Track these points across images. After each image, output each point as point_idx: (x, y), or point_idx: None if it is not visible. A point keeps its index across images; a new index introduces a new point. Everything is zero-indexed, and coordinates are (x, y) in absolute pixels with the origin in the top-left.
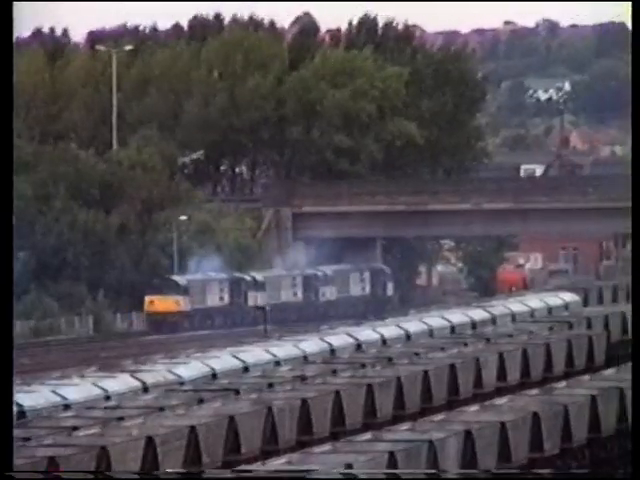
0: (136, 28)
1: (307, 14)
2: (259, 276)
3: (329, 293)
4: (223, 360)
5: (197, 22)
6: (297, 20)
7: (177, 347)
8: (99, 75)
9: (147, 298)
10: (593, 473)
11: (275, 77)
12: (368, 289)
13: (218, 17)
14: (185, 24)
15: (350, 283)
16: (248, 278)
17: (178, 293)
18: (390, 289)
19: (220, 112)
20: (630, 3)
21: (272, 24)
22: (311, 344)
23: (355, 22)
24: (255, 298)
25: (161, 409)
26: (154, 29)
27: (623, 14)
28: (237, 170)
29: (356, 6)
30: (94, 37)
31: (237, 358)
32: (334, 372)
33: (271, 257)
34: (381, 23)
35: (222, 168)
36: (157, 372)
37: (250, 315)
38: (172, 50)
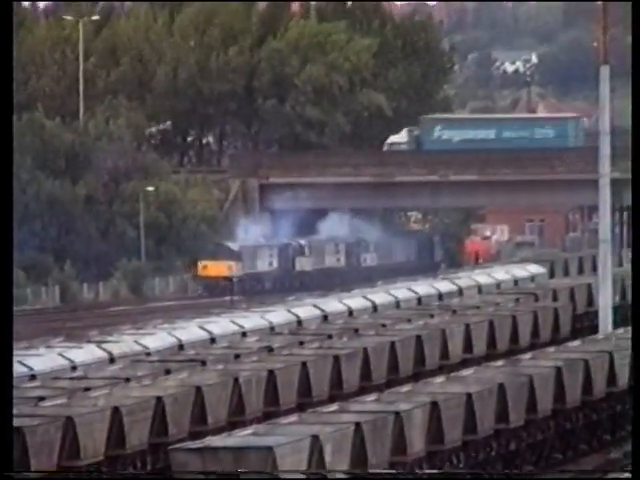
0: None
1: None
2: (303, 242)
3: (370, 259)
4: (190, 331)
5: None
6: None
7: (144, 318)
8: (64, 44)
9: (200, 263)
10: (593, 473)
11: (247, 48)
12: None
13: None
14: None
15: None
16: (294, 244)
17: (231, 258)
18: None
19: (190, 81)
20: (630, 3)
21: None
22: (278, 315)
23: None
24: (301, 263)
25: (127, 380)
26: None
27: None
28: (204, 141)
29: None
30: (59, 5)
31: (204, 329)
32: (301, 343)
33: (237, 228)
34: None
35: (189, 139)
36: (124, 343)
37: (297, 279)
38: (144, 19)
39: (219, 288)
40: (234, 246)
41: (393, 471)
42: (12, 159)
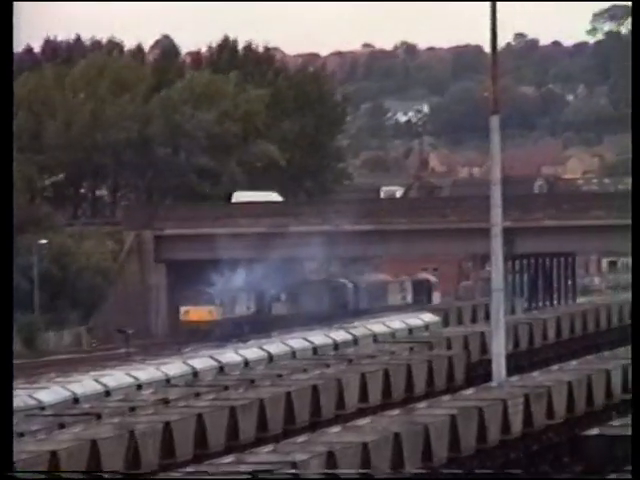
0: None
1: (166, 37)
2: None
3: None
4: (85, 384)
5: (49, 46)
6: (157, 43)
7: (38, 372)
8: None
9: (182, 308)
10: (594, 473)
11: (140, 98)
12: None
13: (78, 40)
14: (37, 48)
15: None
16: (273, 291)
17: (211, 303)
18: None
19: (82, 132)
20: (630, 3)
21: (134, 47)
22: (173, 367)
23: (215, 45)
24: (277, 308)
25: (21, 435)
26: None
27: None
28: (98, 193)
29: (215, 28)
30: None
31: (99, 382)
32: (197, 395)
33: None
34: (241, 45)
35: (82, 191)
36: (17, 397)
37: (274, 324)
38: (36, 73)
39: (201, 332)
40: (214, 291)
41: (394, 471)
42: (12, 160)
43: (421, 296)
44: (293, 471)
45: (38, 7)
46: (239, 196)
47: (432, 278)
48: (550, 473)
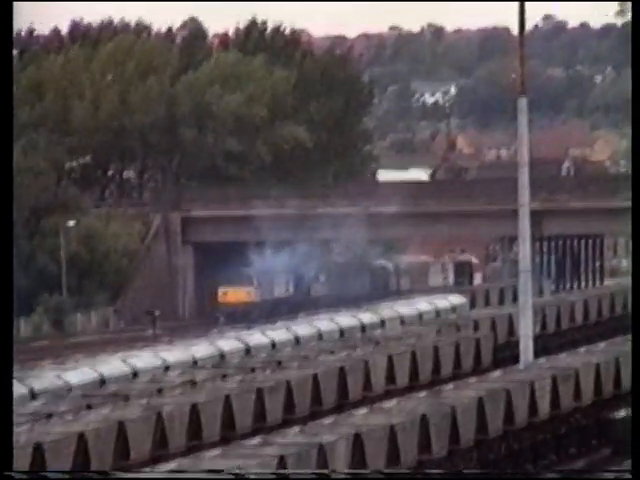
0: (18, 33)
1: (193, 19)
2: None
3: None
4: (112, 366)
5: (77, 28)
6: (184, 25)
7: (66, 353)
8: None
9: (220, 290)
10: (593, 473)
11: (167, 80)
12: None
13: (105, 22)
14: (65, 30)
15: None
16: (312, 273)
17: (249, 284)
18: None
19: (110, 115)
20: (630, 3)
21: (162, 30)
22: (200, 349)
23: (243, 26)
24: (316, 289)
25: (49, 415)
26: (30, 34)
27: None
28: (125, 175)
29: (243, 10)
30: None
31: (126, 363)
32: (224, 377)
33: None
34: (269, 27)
35: (110, 173)
36: (45, 378)
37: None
38: (65, 54)
39: (239, 313)
40: (252, 272)
41: (395, 471)
42: (12, 160)
43: (462, 277)
44: (282, 471)
45: None
46: (384, 174)
47: (474, 260)
48: (540, 472)
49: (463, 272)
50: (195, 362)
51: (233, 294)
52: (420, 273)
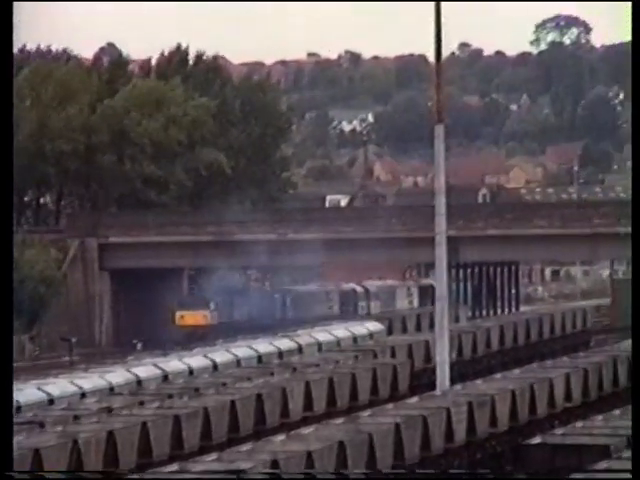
0: None
1: (111, 45)
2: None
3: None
4: (27, 392)
5: None
6: (102, 51)
7: None
8: None
9: (177, 313)
10: (594, 472)
11: (86, 107)
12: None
13: (22, 50)
14: None
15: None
16: (276, 296)
17: (206, 308)
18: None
19: (29, 140)
20: (630, 3)
21: (79, 56)
22: (117, 375)
23: (165, 53)
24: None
25: None
26: None
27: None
28: (42, 201)
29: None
30: None
31: (42, 390)
32: (141, 403)
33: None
34: (192, 54)
35: (26, 199)
36: None
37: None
38: None
39: (196, 336)
40: (209, 296)
41: (395, 471)
42: (12, 160)
43: (426, 300)
44: (274, 470)
45: None
46: (330, 199)
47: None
48: (523, 473)
49: (427, 295)
50: (112, 389)
51: (190, 317)
52: (387, 296)
